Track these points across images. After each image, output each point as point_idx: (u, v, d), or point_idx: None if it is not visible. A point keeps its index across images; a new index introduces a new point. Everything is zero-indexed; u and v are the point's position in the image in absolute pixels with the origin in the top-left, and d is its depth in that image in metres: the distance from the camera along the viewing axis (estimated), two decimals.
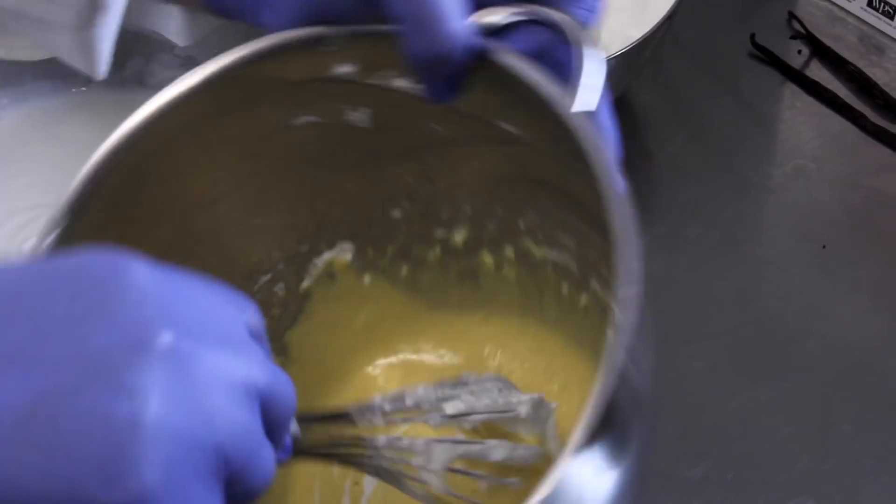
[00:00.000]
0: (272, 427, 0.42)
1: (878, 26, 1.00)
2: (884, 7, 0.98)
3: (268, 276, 0.67)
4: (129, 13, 0.84)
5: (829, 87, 0.95)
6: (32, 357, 0.36)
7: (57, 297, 0.37)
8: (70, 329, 0.36)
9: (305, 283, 0.69)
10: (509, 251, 0.69)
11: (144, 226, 0.58)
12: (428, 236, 0.69)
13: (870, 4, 0.99)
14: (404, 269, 0.71)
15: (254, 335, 0.43)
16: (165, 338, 0.37)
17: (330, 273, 0.69)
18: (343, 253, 0.69)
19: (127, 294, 0.38)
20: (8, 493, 0.35)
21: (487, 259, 0.70)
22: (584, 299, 0.70)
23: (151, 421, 0.36)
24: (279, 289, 0.68)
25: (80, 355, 0.36)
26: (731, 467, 0.73)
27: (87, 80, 0.87)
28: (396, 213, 0.68)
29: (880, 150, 0.91)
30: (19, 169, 0.83)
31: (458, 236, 0.69)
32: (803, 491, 0.73)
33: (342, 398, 0.70)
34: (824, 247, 0.85)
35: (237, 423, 0.39)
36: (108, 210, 0.55)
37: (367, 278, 0.71)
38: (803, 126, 0.93)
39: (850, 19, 1.00)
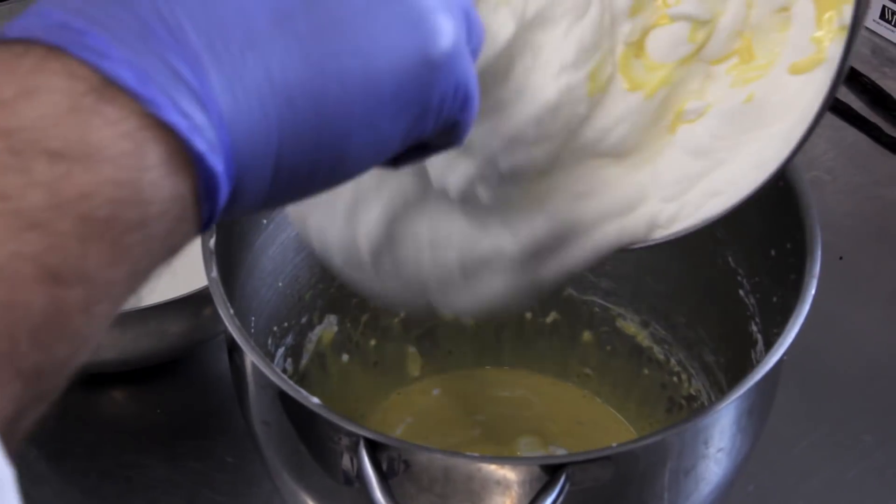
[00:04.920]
0: None
1: (891, 38, 1.00)
2: None
3: (281, 350, 0.68)
4: None
5: (843, 99, 0.95)
6: None
7: None
8: None
9: (304, 361, 0.71)
10: None
11: None
12: None
13: (882, 17, 1.00)
14: (372, 342, 0.74)
15: None
16: None
17: (320, 352, 0.72)
18: (330, 326, 0.72)
19: None
20: (339, 63, 0.35)
21: None
22: (551, 316, 0.75)
23: None
24: (288, 365, 0.69)
25: None
26: (752, 479, 0.73)
27: None
28: None
29: (895, 162, 0.92)
30: None
31: None
32: (825, 502, 0.73)
33: None
34: (840, 258, 0.85)
35: None
36: None
37: (345, 357, 0.74)
38: (818, 138, 0.94)
39: (863, 32, 1.01)
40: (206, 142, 0.32)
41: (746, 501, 0.73)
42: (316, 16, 0.34)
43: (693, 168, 0.51)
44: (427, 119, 0.38)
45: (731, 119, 0.50)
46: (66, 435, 0.75)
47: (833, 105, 0.93)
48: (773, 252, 0.61)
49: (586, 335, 0.75)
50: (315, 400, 0.51)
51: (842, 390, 0.78)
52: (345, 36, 0.35)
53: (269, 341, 0.67)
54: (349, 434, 0.51)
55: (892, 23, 0.99)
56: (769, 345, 0.55)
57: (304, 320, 0.70)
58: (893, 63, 0.99)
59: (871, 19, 1.00)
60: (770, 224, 0.61)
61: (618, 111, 0.51)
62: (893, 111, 0.95)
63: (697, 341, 0.70)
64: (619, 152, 0.52)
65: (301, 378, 0.71)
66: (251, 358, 0.53)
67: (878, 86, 0.96)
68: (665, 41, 0.51)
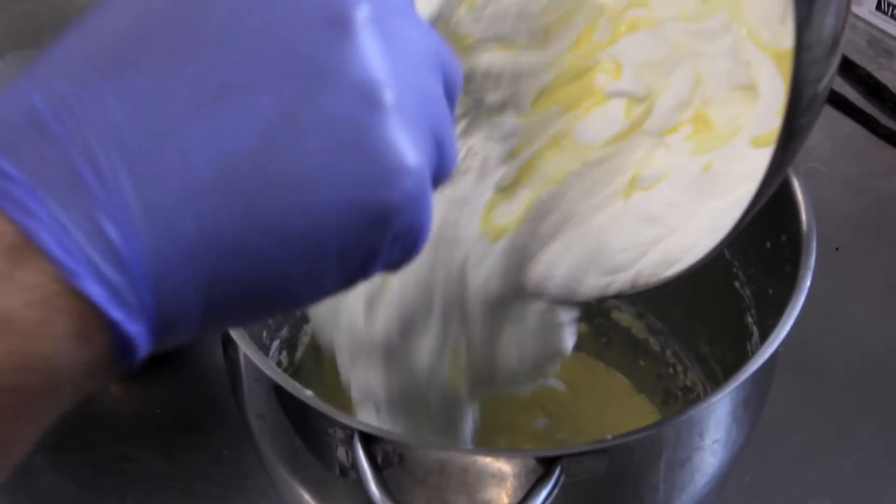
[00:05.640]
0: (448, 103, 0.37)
1: (887, 30, 1.00)
2: (893, 11, 0.99)
3: (276, 343, 0.68)
4: None
5: (839, 90, 0.95)
6: (240, 83, 0.32)
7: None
8: (258, 38, 0.32)
9: (299, 353, 0.71)
10: None
11: None
12: None
13: (878, 8, 1.00)
14: None
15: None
16: (363, 12, 0.33)
17: (315, 345, 0.71)
18: None
19: None
20: (284, 222, 0.32)
21: None
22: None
23: (393, 112, 0.33)
24: (283, 357, 0.69)
25: (287, 63, 0.32)
26: (748, 469, 0.73)
27: None
28: None
29: (891, 153, 0.92)
30: None
31: None
32: (820, 493, 0.73)
33: None
34: (836, 249, 0.85)
35: (439, 101, 0.36)
36: None
37: None
38: (813, 129, 0.93)
39: (859, 23, 1.01)
40: (123, 308, 0.31)
41: (742, 492, 0.73)
42: (266, 169, 0.32)
43: (644, 236, 0.51)
44: (374, 263, 0.34)
45: (688, 187, 0.51)
46: (61, 428, 0.75)
47: (829, 96, 0.93)
48: (768, 244, 0.61)
49: (581, 326, 0.75)
50: (309, 393, 0.51)
51: (837, 381, 0.78)
52: (293, 192, 0.32)
53: (264, 334, 0.67)
54: (344, 427, 0.50)
55: (889, 14, 0.99)
56: (765, 336, 0.55)
57: (298, 312, 0.70)
58: (889, 54, 0.99)
59: (868, 10, 1.00)
60: (765, 216, 0.61)
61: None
62: (889, 102, 0.94)
63: (693, 333, 0.70)
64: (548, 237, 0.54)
65: (296, 370, 0.70)
66: (245, 351, 0.53)
67: (874, 77, 0.96)
68: (597, 122, 0.52)
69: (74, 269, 0.30)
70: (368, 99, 0.32)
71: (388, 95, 0.33)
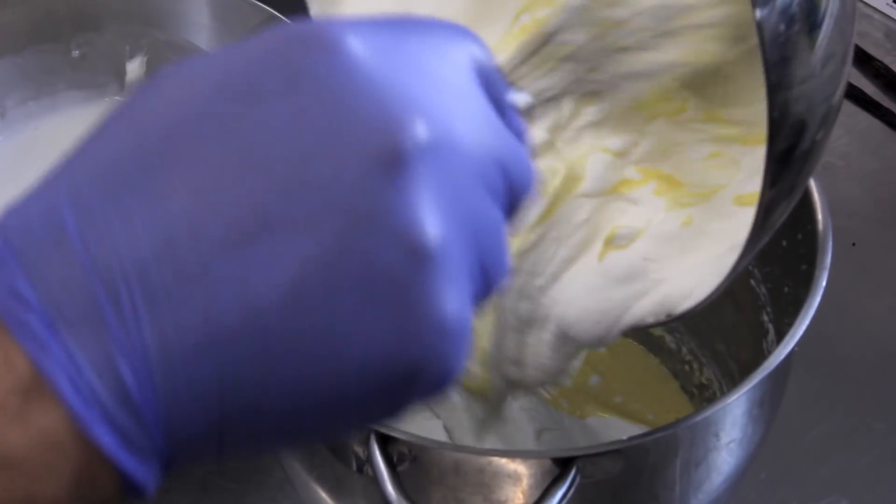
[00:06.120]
0: (512, 210, 0.34)
1: None
2: None
3: None
4: (161, 22, 0.85)
5: (856, 84, 0.95)
6: (277, 219, 0.29)
7: (267, 118, 0.29)
8: (301, 167, 0.29)
9: None
10: None
11: None
12: None
13: (895, 0, 0.99)
14: None
15: (482, 78, 0.33)
16: (419, 135, 0.29)
17: None
18: None
19: (351, 88, 0.29)
20: (304, 375, 0.29)
21: None
22: None
23: (437, 262, 0.29)
24: None
25: (328, 200, 0.29)
26: (763, 466, 0.73)
27: (119, 89, 0.88)
28: None
29: None
30: None
31: None
32: (836, 489, 0.73)
33: None
34: (854, 244, 0.85)
35: (493, 226, 0.32)
36: None
37: None
38: None
39: (876, 16, 1.00)
40: (134, 455, 0.29)
41: (758, 489, 0.73)
42: (292, 321, 0.29)
43: (620, 294, 0.50)
44: (399, 412, 0.32)
45: (669, 241, 0.49)
46: None
47: (846, 90, 0.93)
48: (784, 242, 0.61)
49: None
50: None
51: (853, 377, 0.78)
52: (318, 346, 0.29)
53: None
54: None
55: None
56: (781, 335, 0.55)
57: None
58: None
59: (885, 3, 1.00)
60: None
61: None
62: None
63: (708, 330, 0.70)
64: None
65: None
66: None
67: (892, 70, 0.95)
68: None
69: (86, 416, 0.28)
70: (411, 248, 0.29)
71: (434, 242, 0.29)
